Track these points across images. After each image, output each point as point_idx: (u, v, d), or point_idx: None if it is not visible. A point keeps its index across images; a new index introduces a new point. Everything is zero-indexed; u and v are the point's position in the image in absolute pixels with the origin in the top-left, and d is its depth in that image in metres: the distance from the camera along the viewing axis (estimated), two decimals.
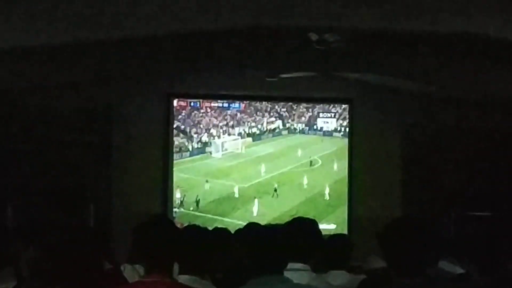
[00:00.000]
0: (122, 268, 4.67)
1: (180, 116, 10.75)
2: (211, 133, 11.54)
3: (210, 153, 11.27)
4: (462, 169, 9.78)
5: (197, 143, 11.14)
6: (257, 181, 11.11)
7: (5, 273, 3.68)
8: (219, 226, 7.10)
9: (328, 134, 10.94)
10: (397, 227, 3.13)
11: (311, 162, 11.12)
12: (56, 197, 9.08)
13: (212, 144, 11.31)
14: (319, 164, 11.11)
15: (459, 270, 4.38)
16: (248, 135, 11.58)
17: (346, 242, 5.33)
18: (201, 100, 10.59)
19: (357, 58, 7.84)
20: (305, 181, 10.87)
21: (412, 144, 10.05)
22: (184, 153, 10.98)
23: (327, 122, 10.77)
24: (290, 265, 3.44)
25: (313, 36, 6.38)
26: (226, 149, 11.46)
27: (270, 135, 11.44)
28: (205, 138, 11.27)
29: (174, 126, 10.59)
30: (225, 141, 11.54)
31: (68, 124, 9.67)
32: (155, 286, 3.11)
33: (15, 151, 9.28)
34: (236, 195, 10.73)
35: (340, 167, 10.71)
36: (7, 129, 9.17)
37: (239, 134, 11.41)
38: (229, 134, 11.57)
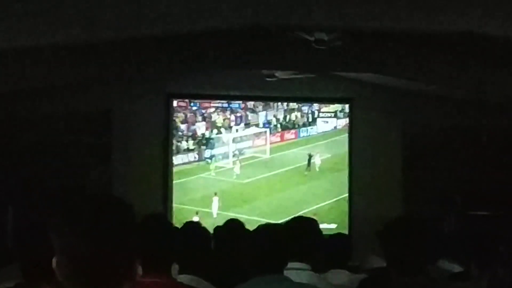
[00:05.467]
0: None
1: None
2: (214, 121, 8.05)
3: (210, 159, 8.48)
4: (462, 168, 9.77)
5: (186, 140, 8.13)
6: (299, 213, 7.82)
7: (7, 271, 3.67)
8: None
9: None
10: (397, 226, 3.13)
11: None
12: (55, 199, 9.08)
13: (214, 142, 8.35)
14: None
15: (459, 269, 4.38)
16: (285, 126, 8.12)
17: (346, 241, 5.33)
18: (200, 101, 10.55)
19: (357, 57, 7.83)
20: None
21: (412, 143, 10.04)
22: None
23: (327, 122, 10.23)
24: (290, 264, 3.44)
25: (315, 35, 6.36)
26: (240, 152, 8.38)
27: (328, 125, 8.24)
28: (201, 133, 8.05)
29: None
30: (240, 137, 8.18)
31: (67, 126, 9.66)
32: (156, 286, 3.10)
33: (15, 153, 9.28)
34: None
35: None
36: (7, 131, 9.15)
37: (267, 123, 8.02)
38: (246, 124, 8.16)
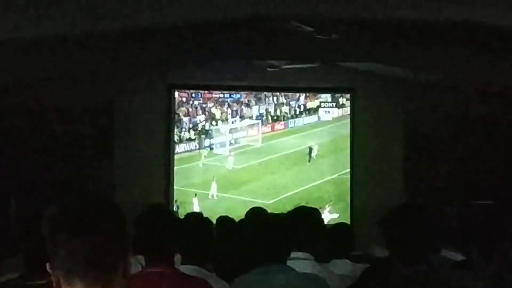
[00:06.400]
0: None
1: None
2: (213, 114, 9.12)
3: (210, 148, 9.49)
4: (464, 158, 9.77)
5: (188, 131, 9.20)
6: (287, 195, 9.26)
7: (10, 263, 3.68)
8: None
9: None
10: (400, 215, 3.12)
11: None
12: (57, 190, 9.09)
13: (212, 133, 9.44)
14: None
15: (461, 258, 4.38)
16: (275, 118, 9.29)
17: (348, 231, 5.34)
18: (202, 92, 10.53)
19: (360, 47, 7.82)
20: None
21: (415, 133, 10.04)
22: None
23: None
24: (293, 254, 3.45)
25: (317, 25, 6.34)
26: (236, 141, 9.51)
27: (312, 117, 9.40)
28: (201, 123, 9.13)
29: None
30: (235, 128, 9.30)
31: (69, 117, 9.66)
32: (159, 276, 3.11)
33: (17, 145, 9.29)
34: None
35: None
36: (9, 123, 9.16)
37: (260, 116, 9.17)
38: (241, 117, 9.28)
